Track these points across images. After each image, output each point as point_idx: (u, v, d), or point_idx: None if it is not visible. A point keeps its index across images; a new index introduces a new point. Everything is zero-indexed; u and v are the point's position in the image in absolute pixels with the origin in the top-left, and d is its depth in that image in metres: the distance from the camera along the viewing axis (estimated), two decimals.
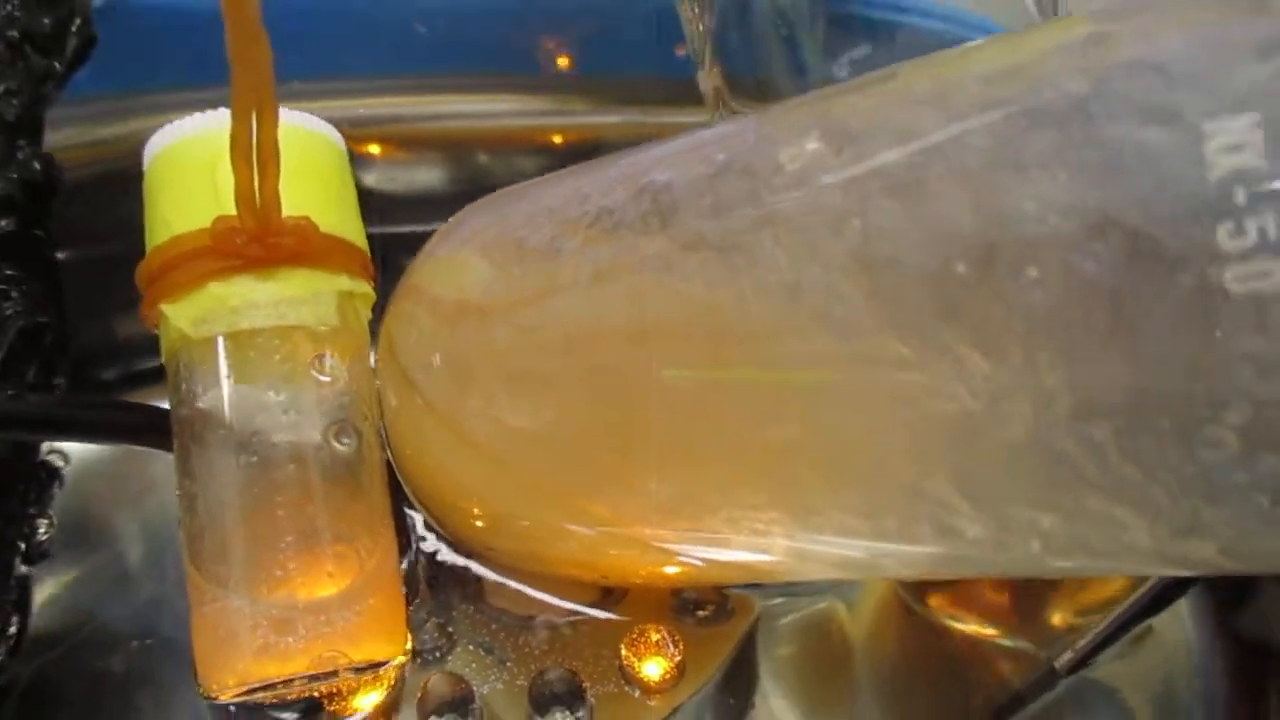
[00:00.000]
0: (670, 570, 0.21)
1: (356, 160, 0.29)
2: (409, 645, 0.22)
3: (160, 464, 0.30)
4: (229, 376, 0.21)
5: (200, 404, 0.21)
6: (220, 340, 0.21)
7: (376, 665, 0.21)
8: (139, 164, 0.23)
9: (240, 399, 0.20)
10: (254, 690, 0.20)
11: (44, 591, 0.26)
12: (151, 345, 0.23)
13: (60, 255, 0.26)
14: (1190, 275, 0.12)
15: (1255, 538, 0.13)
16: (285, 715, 0.23)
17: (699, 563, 0.20)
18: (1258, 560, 0.14)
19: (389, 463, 0.23)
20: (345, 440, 0.21)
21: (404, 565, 0.25)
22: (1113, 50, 0.13)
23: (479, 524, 0.22)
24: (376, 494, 0.22)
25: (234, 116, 0.18)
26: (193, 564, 0.21)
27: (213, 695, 0.20)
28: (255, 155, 0.19)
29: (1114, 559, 0.15)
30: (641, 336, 0.17)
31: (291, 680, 0.20)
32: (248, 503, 0.20)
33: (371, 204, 0.25)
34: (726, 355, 0.16)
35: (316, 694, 0.23)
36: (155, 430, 0.22)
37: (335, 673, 0.21)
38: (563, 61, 0.34)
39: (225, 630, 0.20)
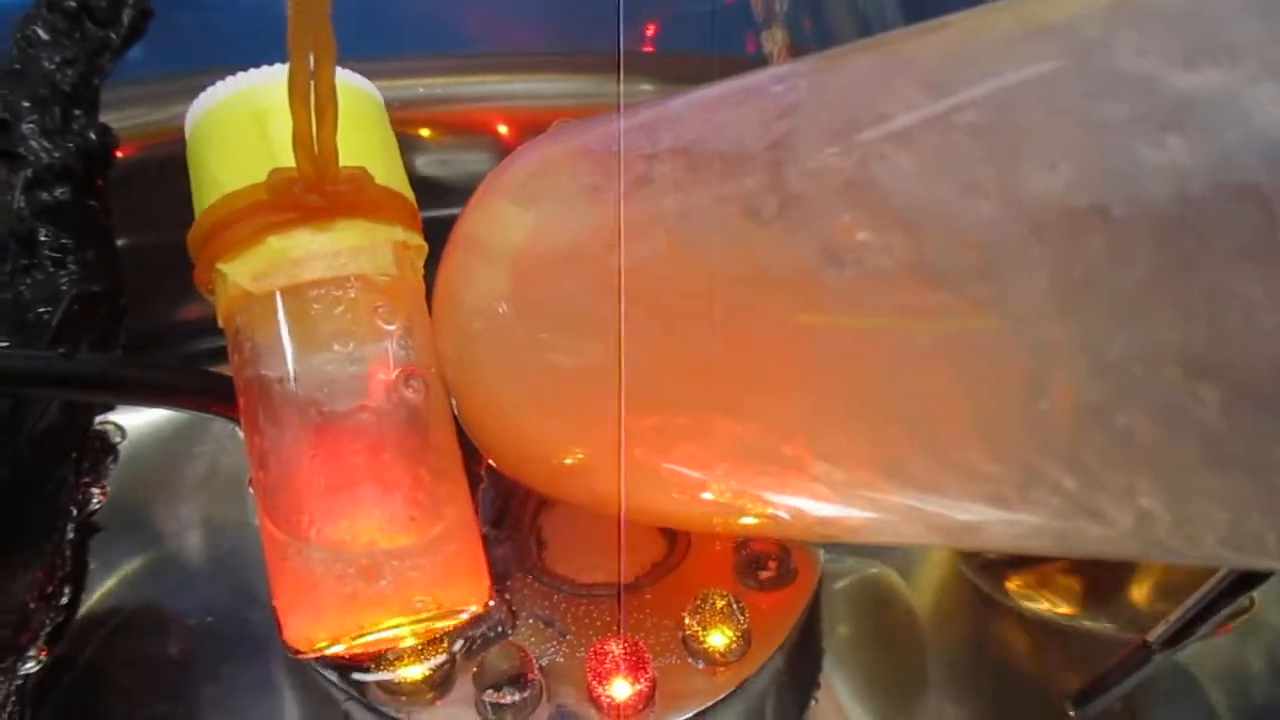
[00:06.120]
0: (737, 519, 0.20)
1: (407, 142, 0.29)
2: (491, 592, 0.22)
3: (214, 441, 0.30)
4: (293, 331, 0.20)
5: (265, 361, 0.20)
6: (279, 296, 0.20)
7: (462, 612, 0.21)
8: None
9: (306, 352, 0.20)
10: (342, 643, 0.20)
11: (97, 571, 0.26)
12: (204, 329, 0.22)
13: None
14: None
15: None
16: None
17: (763, 512, 0.19)
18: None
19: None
20: (414, 385, 0.21)
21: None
22: None
23: (546, 469, 0.21)
24: (446, 441, 0.21)
25: (292, 58, 0.18)
26: (269, 519, 0.20)
27: (301, 651, 0.20)
28: (313, 100, 0.18)
29: (1125, 539, 0.15)
30: (698, 271, 0.17)
31: (378, 631, 0.20)
32: (322, 454, 0.20)
33: (423, 187, 0.24)
34: (774, 290, 0.16)
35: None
36: (207, 393, 0.22)
37: (419, 624, 0.20)
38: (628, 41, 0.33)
39: (309, 582, 0.19)
